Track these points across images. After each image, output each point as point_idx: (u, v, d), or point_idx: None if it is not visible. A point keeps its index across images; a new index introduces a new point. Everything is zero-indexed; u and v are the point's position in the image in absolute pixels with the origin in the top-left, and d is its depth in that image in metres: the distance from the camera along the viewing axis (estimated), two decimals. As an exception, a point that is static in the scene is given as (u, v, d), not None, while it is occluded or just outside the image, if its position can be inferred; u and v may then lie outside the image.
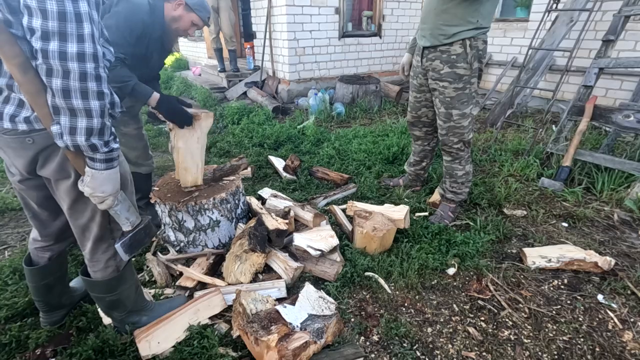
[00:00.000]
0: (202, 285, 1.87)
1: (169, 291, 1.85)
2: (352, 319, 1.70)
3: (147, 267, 2.01)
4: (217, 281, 1.83)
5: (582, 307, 1.77)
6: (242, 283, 1.83)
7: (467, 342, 1.59)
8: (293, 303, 1.64)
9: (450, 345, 1.58)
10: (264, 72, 6.18)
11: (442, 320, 1.71)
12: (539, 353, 1.54)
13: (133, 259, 1.87)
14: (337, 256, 1.99)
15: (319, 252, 1.92)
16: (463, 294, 1.87)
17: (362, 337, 1.61)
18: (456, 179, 2.40)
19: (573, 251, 2.05)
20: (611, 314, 1.72)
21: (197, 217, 1.95)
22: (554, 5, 3.62)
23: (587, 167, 2.95)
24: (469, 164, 2.39)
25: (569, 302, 1.81)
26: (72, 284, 1.75)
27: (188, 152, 1.98)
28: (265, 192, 2.67)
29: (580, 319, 1.70)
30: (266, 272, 1.93)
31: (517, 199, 2.71)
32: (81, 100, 0.96)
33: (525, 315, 1.73)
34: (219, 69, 6.40)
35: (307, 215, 2.23)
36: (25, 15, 0.88)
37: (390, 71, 6.77)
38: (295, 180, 3.05)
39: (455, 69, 2.11)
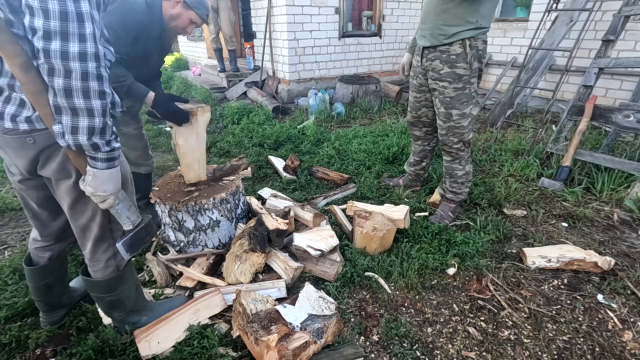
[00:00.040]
0: (202, 285, 1.87)
1: (169, 291, 1.85)
2: (352, 319, 1.70)
3: (147, 267, 2.01)
4: (217, 281, 1.83)
5: (582, 307, 1.77)
6: (242, 283, 1.83)
7: (467, 342, 1.59)
8: (293, 303, 1.64)
9: (450, 345, 1.58)
10: (264, 72, 6.18)
11: (442, 320, 1.71)
12: (539, 353, 1.54)
13: (133, 259, 1.87)
14: (337, 256, 1.99)
15: (319, 252, 1.92)
16: (463, 293, 1.87)
17: (362, 337, 1.61)
18: (456, 179, 2.41)
19: (573, 251, 2.05)
20: (611, 314, 1.72)
21: (197, 217, 1.95)
22: (554, 5, 3.62)
23: (587, 167, 2.95)
24: (468, 164, 2.39)
25: (568, 302, 1.81)
26: (72, 283, 1.75)
27: (189, 148, 1.99)
28: (265, 192, 2.67)
29: (580, 319, 1.71)
30: (266, 272, 1.93)
31: (517, 199, 2.71)
32: (83, 99, 0.96)
33: (525, 315, 1.73)
34: (218, 69, 6.40)
35: (307, 215, 2.23)
36: (26, 15, 0.88)
37: (390, 71, 6.77)
38: (295, 180, 3.05)
39: (455, 69, 2.11)
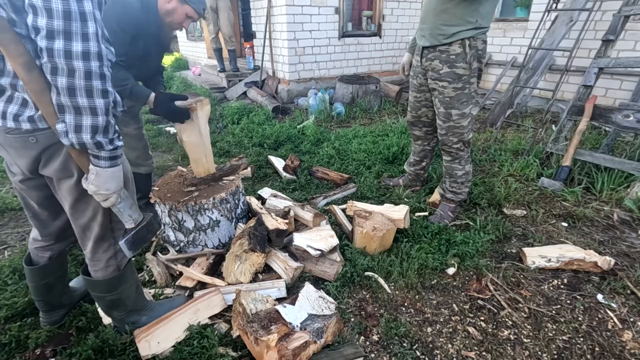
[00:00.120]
0: (202, 285, 1.87)
1: (168, 291, 1.85)
2: (352, 319, 1.70)
3: (147, 267, 2.01)
4: (217, 281, 1.83)
5: (581, 307, 1.77)
6: (242, 283, 1.83)
7: (467, 341, 1.59)
8: (293, 303, 1.64)
9: (450, 345, 1.58)
10: (263, 72, 6.18)
11: (441, 320, 1.71)
12: (539, 353, 1.54)
13: (133, 259, 1.87)
14: (337, 256, 1.99)
15: (318, 252, 1.92)
16: (463, 293, 1.87)
17: (362, 337, 1.61)
18: (456, 178, 2.41)
19: (573, 251, 2.05)
20: (611, 314, 1.72)
21: (197, 217, 1.95)
22: (554, 5, 3.62)
23: (586, 166, 2.95)
24: (468, 163, 2.39)
25: (568, 301, 1.81)
26: (71, 283, 1.75)
27: (193, 144, 2.01)
28: (265, 192, 2.67)
29: (580, 319, 1.71)
30: (266, 272, 1.93)
31: (517, 198, 2.71)
32: (86, 98, 0.97)
33: (525, 315, 1.73)
34: (218, 68, 6.41)
35: (307, 215, 2.23)
36: (29, 14, 0.88)
37: (390, 71, 6.77)
38: (295, 180, 3.05)
39: (455, 69, 2.11)
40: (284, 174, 3.11)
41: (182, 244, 2.03)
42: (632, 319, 1.69)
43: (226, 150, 3.80)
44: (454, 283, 1.94)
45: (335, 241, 2.00)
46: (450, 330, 1.65)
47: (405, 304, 1.80)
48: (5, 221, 2.54)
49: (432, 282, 1.93)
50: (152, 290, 1.82)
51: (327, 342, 1.50)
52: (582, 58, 4.44)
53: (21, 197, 1.33)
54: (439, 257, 2.05)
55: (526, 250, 2.09)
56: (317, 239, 2.00)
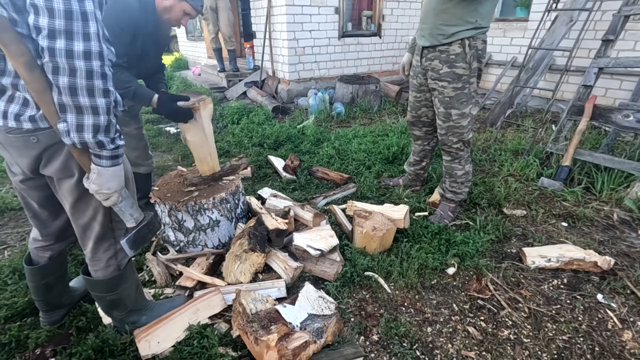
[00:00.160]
0: (201, 285, 1.86)
1: (168, 291, 1.85)
2: (352, 319, 1.70)
3: (147, 266, 2.01)
4: (217, 281, 1.83)
5: (581, 307, 1.77)
6: (241, 283, 1.83)
7: (467, 341, 1.59)
8: (293, 303, 1.64)
9: (450, 345, 1.58)
10: (263, 71, 6.18)
11: (441, 319, 1.71)
12: (539, 352, 1.54)
13: (133, 259, 1.87)
14: (336, 256, 1.99)
15: (318, 252, 1.92)
16: (463, 293, 1.87)
17: (362, 337, 1.61)
18: (456, 178, 2.41)
19: (573, 251, 2.05)
20: (611, 314, 1.72)
21: (197, 216, 1.95)
22: (554, 5, 3.62)
23: (586, 166, 2.96)
24: (468, 163, 2.39)
25: (568, 301, 1.81)
26: (71, 283, 1.75)
27: (198, 143, 2.02)
28: (265, 191, 2.67)
29: (580, 319, 1.71)
30: (266, 271, 1.93)
31: (517, 198, 2.71)
32: (88, 97, 0.97)
33: (525, 315, 1.73)
34: (218, 68, 6.41)
35: (306, 215, 2.23)
36: (31, 14, 0.88)
37: (390, 71, 6.77)
38: (295, 180, 3.05)
39: (454, 69, 2.11)
40: (284, 173, 3.11)
41: (182, 243, 2.03)
42: (632, 319, 1.69)
43: (226, 150, 3.80)
44: (454, 283, 1.94)
45: (335, 241, 2.00)
46: (450, 330, 1.66)
47: (405, 304, 1.80)
48: (5, 221, 2.54)
49: (432, 282, 1.93)
50: (152, 290, 1.82)
51: (327, 342, 1.50)
52: (582, 58, 4.45)
53: (21, 197, 1.33)
54: (439, 257, 2.05)
55: (526, 250, 2.09)
56: (317, 238, 2.00)
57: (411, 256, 2.05)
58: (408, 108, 2.59)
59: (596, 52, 3.15)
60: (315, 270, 1.93)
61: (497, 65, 5.65)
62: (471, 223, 2.42)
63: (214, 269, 1.97)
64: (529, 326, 1.67)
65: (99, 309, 1.63)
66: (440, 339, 1.61)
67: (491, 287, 1.89)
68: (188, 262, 2.01)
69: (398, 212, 2.24)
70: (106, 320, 1.61)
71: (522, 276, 1.98)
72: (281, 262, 1.90)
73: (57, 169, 1.15)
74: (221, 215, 2.04)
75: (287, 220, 2.07)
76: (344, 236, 2.26)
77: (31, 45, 0.95)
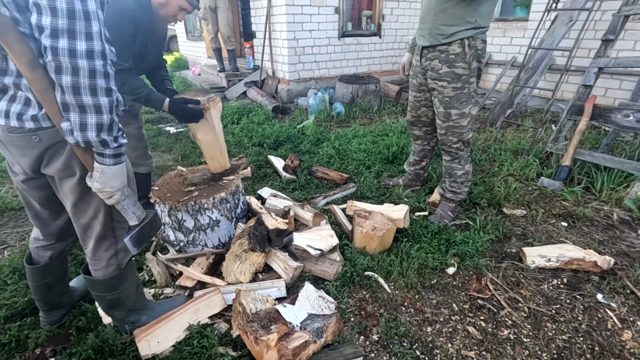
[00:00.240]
0: (201, 285, 1.87)
1: (168, 291, 1.85)
2: (352, 319, 1.70)
3: (147, 266, 2.01)
4: (217, 281, 1.83)
5: (581, 307, 1.77)
6: (241, 282, 1.83)
7: (467, 341, 1.59)
8: (293, 302, 1.64)
9: (449, 345, 1.58)
10: (263, 71, 6.18)
11: (441, 319, 1.71)
12: (539, 352, 1.54)
13: (133, 259, 1.87)
14: (336, 256, 1.99)
15: (318, 252, 1.92)
16: (462, 293, 1.87)
17: (362, 337, 1.61)
18: (455, 178, 2.41)
19: (572, 250, 2.05)
20: (610, 313, 1.72)
21: (197, 216, 1.95)
22: (554, 5, 3.62)
23: (586, 166, 2.96)
24: (468, 163, 2.39)
25: (568, 301, 1.81)
26: (71, 283, 1.75)
27: (208, 141, 2.05)
28: (265, 191, 2.67)
29: (580, 318, 1.71)
30: (266, 271, 1.93)
31: (517, 198, 2.71)
32: (90, 96, 0.97)
33: (525, 315, 1.73)
34: (218, 68, 6.40)
35: (306, 214, 2.23)
36: (33, 13, 0.89)
37: (389, 71, 6.77)
38: (295, 179, 3.05)
39: (454, 69, 2.11)
40: (284, 173, 3.11)
41: (182, 243, 2.03)
42: (631, 319, 1.69)
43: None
44: (454, 283, 1.94)
45: (335, 241, 2.00)
46: (450, 329, 1.66)
47: (405, 304, 1.80)
48: (5, 221, 2.54)
49: (432, 282, 1.93)
50: (152, 290, 1.82)
51: (327, 342, 1.50)
52: (581, 58, 4.45)
53: (22, 196, 1.34)
54: (439, 257, 2.05)
55: (526, 249, 2.09)
56: (317, 238, 2.00)
57: (411, 256, 2.05)
58: (408, 108, 2.59)
59: (596, 52, 3.15)
60: (315, 270, 1.93)
61: (497, 65, 5.65)
62: (471, 223, 2.42)
63: (214, 269, 1.97)
64: (528, 326, 1.67)
65: (99, 309, 1.63)
66: (440, 339, 1.61)
67: (491, 287, 1.90)
68: (188, 261, 2.01)
69: (398, 212, 2.24)
70: (106, 320, 1.61)
71: (522, 276, 1.98)
72: (281, 262, 1.90)
73: (59, 168, 1.15)
74: (221, 215, 2.04)
75: (287, 220, 2.07)
76: (344, 236, 2.27)
77: (33, 44, 0.96)
